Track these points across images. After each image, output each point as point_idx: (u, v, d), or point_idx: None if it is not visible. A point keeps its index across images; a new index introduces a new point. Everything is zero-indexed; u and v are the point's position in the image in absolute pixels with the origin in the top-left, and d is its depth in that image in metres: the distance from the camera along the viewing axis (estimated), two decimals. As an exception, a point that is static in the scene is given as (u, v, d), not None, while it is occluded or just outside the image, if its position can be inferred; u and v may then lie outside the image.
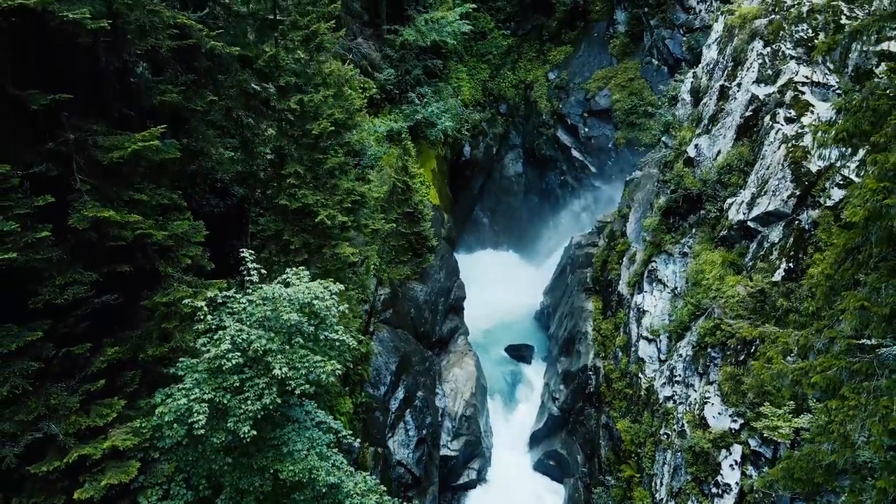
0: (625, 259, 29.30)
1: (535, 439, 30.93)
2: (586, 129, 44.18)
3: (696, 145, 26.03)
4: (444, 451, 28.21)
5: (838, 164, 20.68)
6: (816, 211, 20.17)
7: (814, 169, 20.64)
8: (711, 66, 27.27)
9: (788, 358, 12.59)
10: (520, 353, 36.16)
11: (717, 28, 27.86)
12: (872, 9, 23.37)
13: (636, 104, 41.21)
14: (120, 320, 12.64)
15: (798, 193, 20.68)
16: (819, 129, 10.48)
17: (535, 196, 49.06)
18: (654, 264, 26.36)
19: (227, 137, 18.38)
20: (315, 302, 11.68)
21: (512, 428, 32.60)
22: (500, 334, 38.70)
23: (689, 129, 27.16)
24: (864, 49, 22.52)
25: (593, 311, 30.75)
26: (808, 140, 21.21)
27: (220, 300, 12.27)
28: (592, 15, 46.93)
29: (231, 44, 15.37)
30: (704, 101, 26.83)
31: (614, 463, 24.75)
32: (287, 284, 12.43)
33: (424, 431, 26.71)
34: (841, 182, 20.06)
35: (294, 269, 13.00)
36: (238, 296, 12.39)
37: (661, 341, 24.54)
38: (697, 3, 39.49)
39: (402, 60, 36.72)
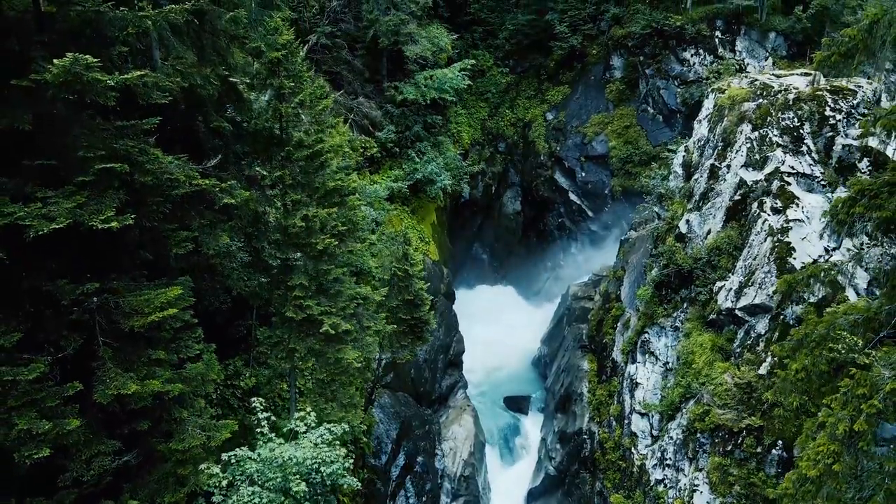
0: (619, 324, 30.14)
1: (532, 496, 31.81)
2: (583, 174, 44.98)
3: (687, 221, 26.86)
4: (443, 514, 29.12)
5: (821, 260, 21.71)
6: (800, 307, 20.99)
7: (798, 266, 21.45)
8: (702, 142, 28.07)
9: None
10: (518, 405, 37.05)
11: (708, 105, 28.65)
12: (856, 101, 24.28)
13: (632, 153, 42.02)
14: (137, 465, 13.49)
15: (783, 289, 21.51)
16: (783, 355, 11.28)
17: (533, 235, 49.91)
18: (646, 335, 27.18)
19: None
20: (321, 468, 12.59)
21: (510, 482, 33.47)
22: (498, 382, 39.57)
23: (680, 204, 27.99)
24: (848, 143, 23.47)
25: (588, 372, 31.61)
26: (792, 237, 22.12)
27: (233, 461, 13.15)
28: (589, 58, 47.66)
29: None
30: (696, 177, 27.65)
31: (608, 534, 25.65)
32: (294, 435, 13.31)
33: (424, 498, 27.60)
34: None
35: (300, 412, 13.88)
36: (251, 454, 13.27)
37: (653, 416, 25.39)
38: (692, 56, 40.31)
39: (402, 116, 37.53)
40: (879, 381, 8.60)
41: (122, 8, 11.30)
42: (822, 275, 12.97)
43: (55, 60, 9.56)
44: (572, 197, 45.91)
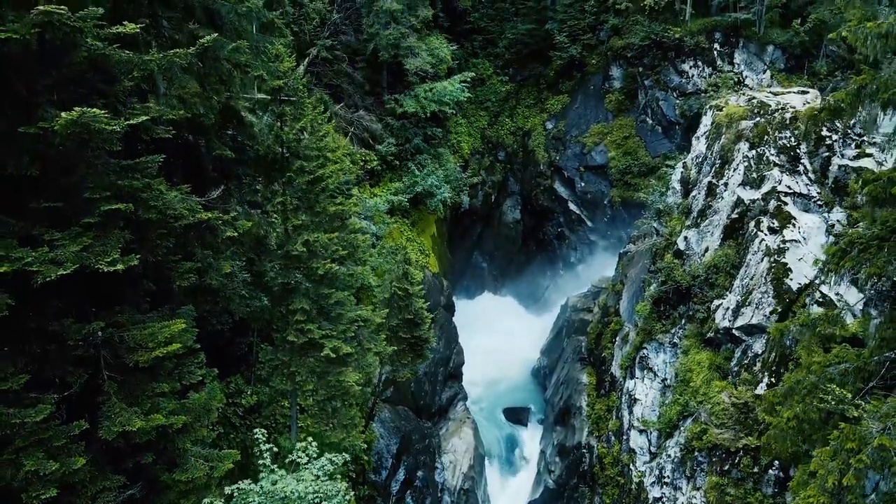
0: (618, 339, 30.32)
1: (531, 509, 32.05)
2: (583, 184, 45.17)
3: (685, 237, 27.03)
4: (443, 528, 29.31)
5: (817, 281, 21.89)
6: (797, 327, 21.15)
7: (794, 287, 21.68)
8: (700, 159, 28.24)
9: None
10: (517, 417, 37.25)
11: (706, 122, 28.82)
12: (851, 122, 24.46)
13: (631, 164, 42.20)
14: (141, 498, 13.67)
15: (780, 310, 21.72)
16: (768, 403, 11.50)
17: (533, 244, 50.12)
18: (645, 351, 27.37)
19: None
20: (323, 502, 12.79)
21: (509, 495, 33.69)
22: (498, 393, 39.76)
23: (678, 220, 28.16)
24: (844, 164, 23.65)
25: (587, 385, 31.80)
26: (789, 257, 22.32)
27: (235, 493, 13.33)
28: (589, 67, 47.82)
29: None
30: (694, 193, 27.82)
31: (607, 549, 25.86)
32: (296, 466, 13.51)
33: (424, 512, 27.80)
34: (820, 300, 21.11)
35: (302, 442, 14.08)
36: (254, 487, 13.44)
37: (651, 433, 25.58)
38: (690, 68, 40.48)
39: (402, 129, 37.72)
40: (868, 435, 8.79)
41: (126, 51, 11.45)
42: (813, 324, 13.17)
43: (63, 113, 9.73)
44: (572, 206, 46.13)
